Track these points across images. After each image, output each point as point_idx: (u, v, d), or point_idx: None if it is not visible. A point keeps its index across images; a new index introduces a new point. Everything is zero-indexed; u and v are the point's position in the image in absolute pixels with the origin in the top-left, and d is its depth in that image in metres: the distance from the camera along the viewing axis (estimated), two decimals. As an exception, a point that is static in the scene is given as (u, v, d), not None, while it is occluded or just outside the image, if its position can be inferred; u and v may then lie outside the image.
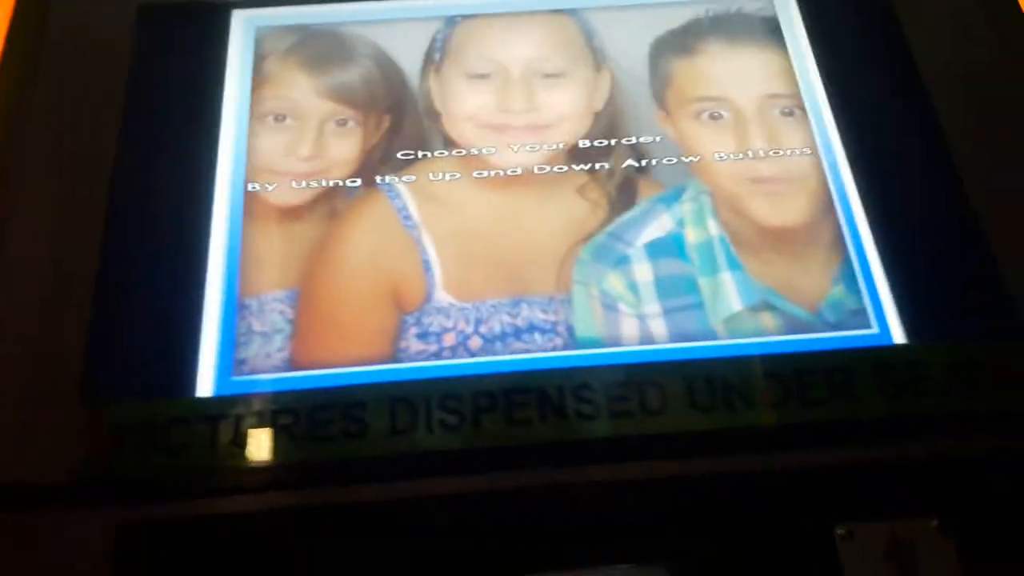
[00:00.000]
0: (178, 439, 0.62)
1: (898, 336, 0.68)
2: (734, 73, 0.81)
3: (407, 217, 0.75)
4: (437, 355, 0.68)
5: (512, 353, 0.68)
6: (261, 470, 0.61)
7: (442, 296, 0.72)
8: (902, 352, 0.67)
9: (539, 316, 0.70)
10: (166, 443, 0.62)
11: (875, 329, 0.68)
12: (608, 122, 0.80)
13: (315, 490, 0.61)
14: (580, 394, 0.63)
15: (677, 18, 0.84)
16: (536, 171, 0.77)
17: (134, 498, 0.60)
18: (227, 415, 0.63)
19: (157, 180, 0.74)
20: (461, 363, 0.67)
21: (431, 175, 0.77)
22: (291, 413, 0.63)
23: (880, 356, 0.65)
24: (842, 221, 0.74)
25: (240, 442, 0.62)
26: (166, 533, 0.59)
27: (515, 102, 0.79)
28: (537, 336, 0.69)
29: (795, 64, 0.81)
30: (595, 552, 0.57)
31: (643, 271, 0.72)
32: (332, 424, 0.63)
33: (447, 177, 0.77)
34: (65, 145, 0.76)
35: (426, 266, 0.73)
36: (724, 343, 0.68)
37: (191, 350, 0.67)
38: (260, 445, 0.62)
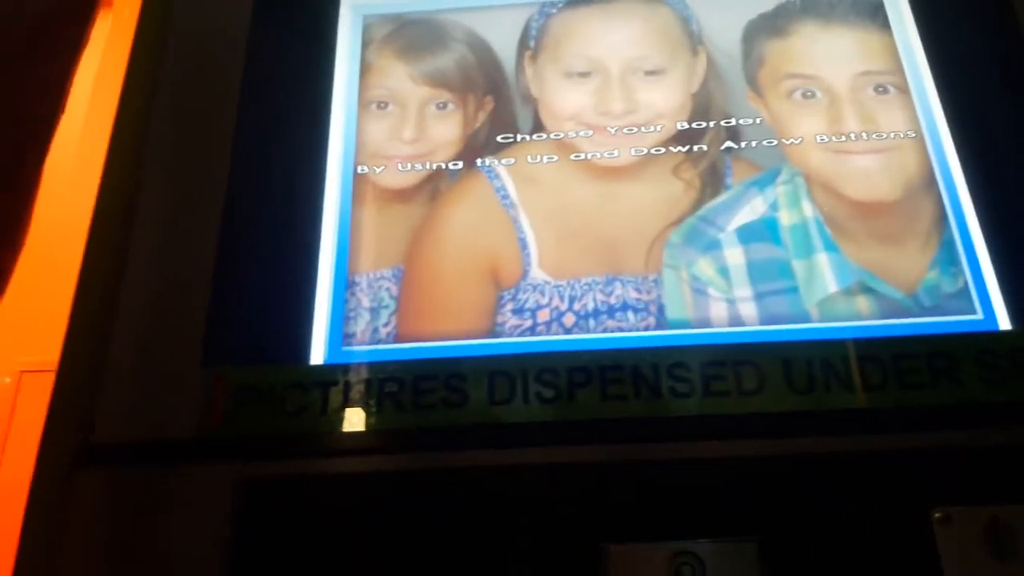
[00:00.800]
0: (293, 403, 0.66)
1: (1003, 322, 0.66)
2: (826, 52, 0.80)
3: (505, 197, 0.77)
4: (532, 330, 0.70)
5: (605, 331, 0.69)
6: (367, 434, 0.65)
7: (537, 273, 0.74)
8: (1007, 338, 0.65)
9: (632, 295, 0.71)
10: (282, 406, 0.66)
11: (979, 315, 0.67)
12: (703, 102, 0.79)
13: (416, 454, 0.64)
14: (675, 372, 0.64)
15: (770, 1, 0.83)
16: (632, 155, 0.77)
17: (252, 456, 0.64)
18: (338, 382, 0.66)
19: (273, 162, 0.78)
20: (557, 339, 0.69)
21: (529, 158, 0.78)
22: (396, 382, 0.66)
23: (985, 342, 0.64)
24: (946, 203, 0.72)
25: (349, 407, 0.65)
26: (281, 489, 0.63)
27: (615, 104, 0.79)
28: (630, 315, 0.70)
29: (899, 42, 0.79)
30: (686, 525, 0.58)
31: (734, 255, 0.72)
32: (434, 393, 0.65)
33: (545, 160, 0.78)
34: (189, 127, 0.80)
35: (523, 244, 0.75)
36: (819, 326, 0.67)
37: (305, 322, 0.70)
38: (367, 410, 0.65)
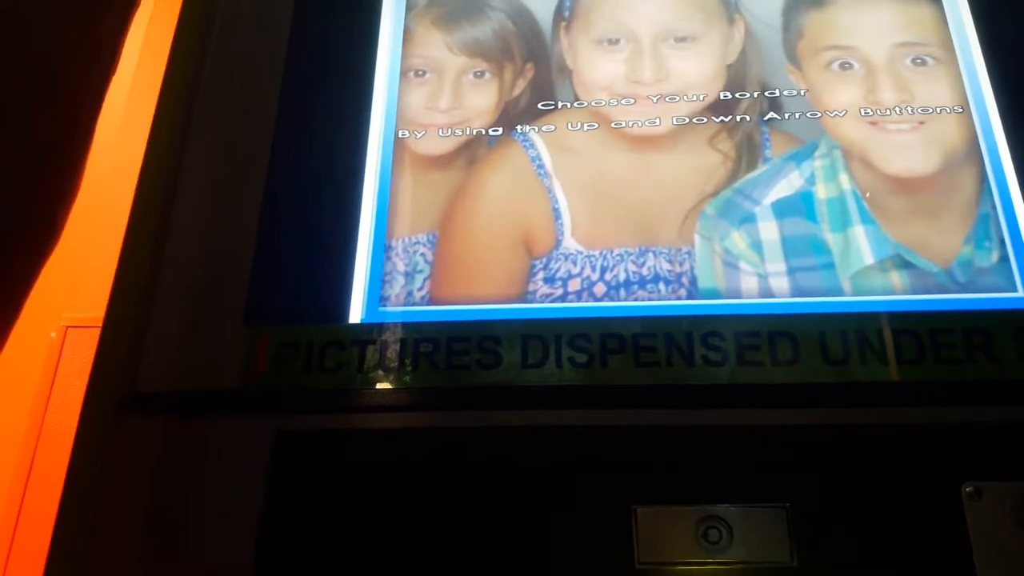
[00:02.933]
0: (331, 360, 0.66)
1: (1042, 301, 0.65)
2: (865, 23, 0.78)
3: (540, 167, 0.76)
4: (562, 299, 0.70)
5: (636, 301, 0.69)
6: (402, 391, 0.65)
7: (570, 243, 0.73)
8: (1045, 316, 0.63)
9: (664, 266, 0.71)
10: (321, 363, 0.66)
11: (1020, 292, 0.65)
12: (740, 73, 0.78)
13: (449, 413, 0.64)
14: (709, 341, 0.63)
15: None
16: (673, 124, 0.76)
17: (291, 410, 0.65)
18: (374, 340, 0.67)
19: (317, 126, 0.78)
20: (590, 306, 0.69)
21: (568, 125, 0.77)
22: (431, 342, 0.66)
23: (1022, 319, 0.63)
24: (990, 176, 0.70)
25: (385, 365, 0.66)
26: (317, 442, 0.63)
27: (645, 72, 0.78)
28: (661, 286, 0.70)
29: (947, 10, 0.77)
30: (715, 491, 0.58)
31: (769, 230, 0.71)
32: (468, 354, 0.65)
33: (584, 127, 0.77)
34: (236, 89, 0.81)
35: (556, 214, 0.74)
36: (853, 299, 0.66)
37: (344, 283, 0.70)
38: (402, 369, 0.65)
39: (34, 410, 1.99)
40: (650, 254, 0.71)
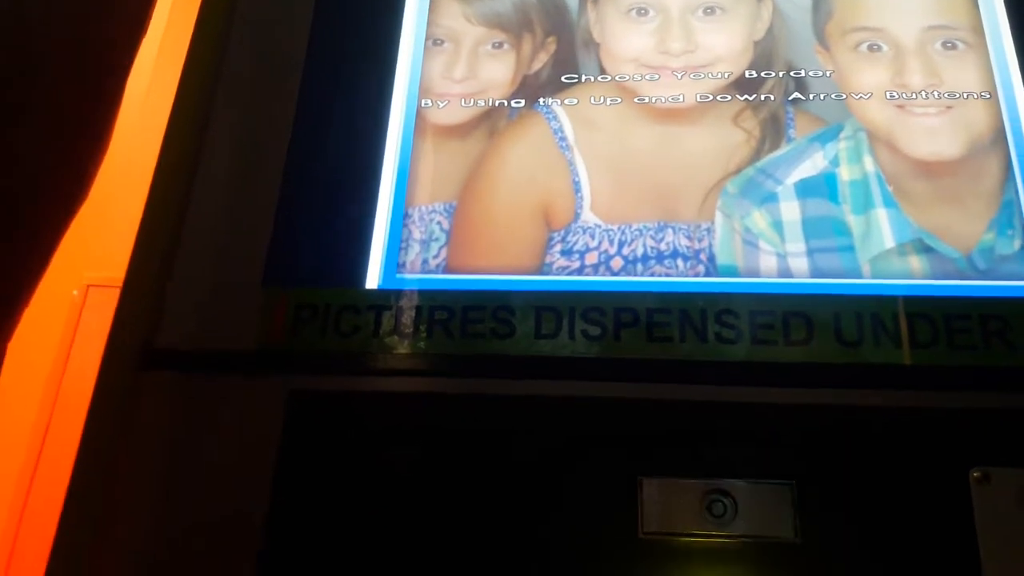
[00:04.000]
0: (348, 323, 0.66)
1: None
2: (895, 5, 0.76)
3: (562, 139, 0.76)
4: (579, 272, 0.70)
5: (652, 277, 0.69)
6: (416, 356, 0.65)
7: (589, 217, 0.73)
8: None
9: (683, 242, 0.70)
10: (337, 325, 0.66)
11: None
12: (767, 51, 0.77)
13: (462, 380, 0.64)
14: (723, 319, 0.63)
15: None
16: (697, 100, 0.76)
17: (306, 372, 0.66)
18: (390, 306, 0.67)
19: (341, 92, 0.77)
20: (605, 280, 0.69)
21: (592, 99, 0.77)
22: (446, 310, 0.67)
23: (1041, 307, 0.62)
24: (1015, 162, 0.69)
25: (400, 331, 0.66)
26: (332, 404, 0.64)
27: (673, 43, 0.77)
28: (679, 262, 0.69)
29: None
30: (723, 466, 0.58)
31: (790, 210, 0.70)
32: (482, 323, 0.66)
33: (608, 102, 0.77)
34: (262, 51, 0.80)
35: (576, 187, 0.74)
36: (871, 282, 0.66)
37: (363, 249, 0.71)
38: (417, 335, 0.66)
39: (54, 367, 2.02)
40: (669, 230, 0.71)
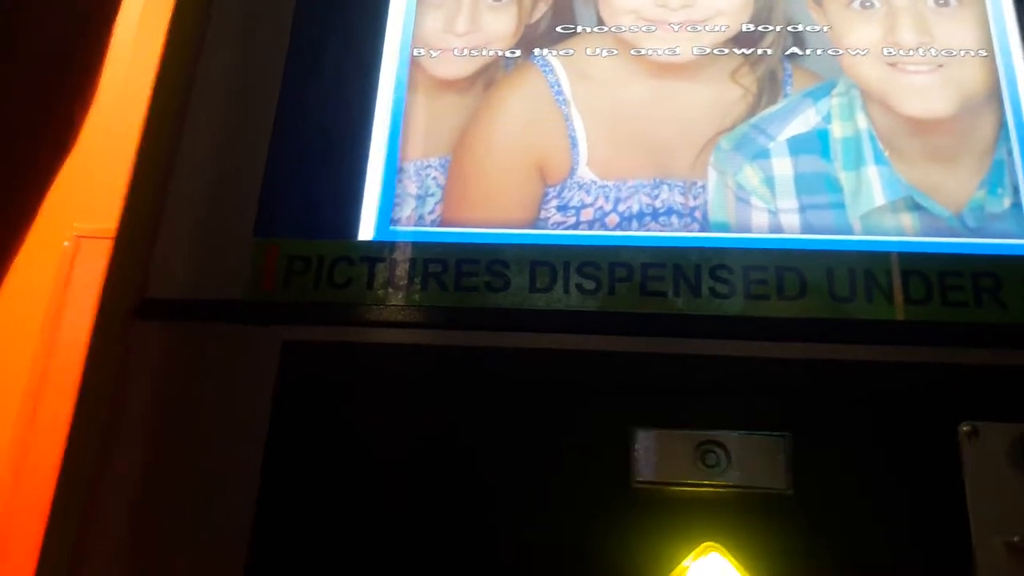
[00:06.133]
0: (341, 274, 0.65)
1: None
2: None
3: (559, 92, 0.74)
4: (574, 227, 0.69)
5: (648, 232, 0.68)
6: (410, 309, 0.64)
7: (585, 172, 0.72)
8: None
9: (678, 200, 0.69)
10: (331, 277, 0.65)
11: (1033, 239, 0.64)
12: (767, 5, 0.75)
13: (456, 332, 0.64)
14: (717, 274, 0.63)
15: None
16: (693, 54, 0.74)
17: (299, 322, 0.65)
18: (384, 258, 0.66)
19: (332, 43, 0.75)
20: (600, 235, 0.68)
21: (588, 50, 0.75)
22: (440, 263, 0.65)
23: (1032, 264, 0.62)
24: (1009, 120, 0.68)
25: (394, 283, 0.65)
26: (325, 355, 0.63)
27: None
28: (674, 219, 0.68)
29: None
30: (716, 419, 0.58)
31: (782, 166, 0.69)
32: (477, 276, 0.65)
33: (603, 53, 0.75)
34: (250, 5, 0.78)
35: (572, 142, 0.72)
36: (863, 238, 0.65)
37: (355, 201, 0.69)
38: (411, 287, 0.65)
39: (46, 318, 2.00)
40: (664, 187, 0.70)
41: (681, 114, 0.72)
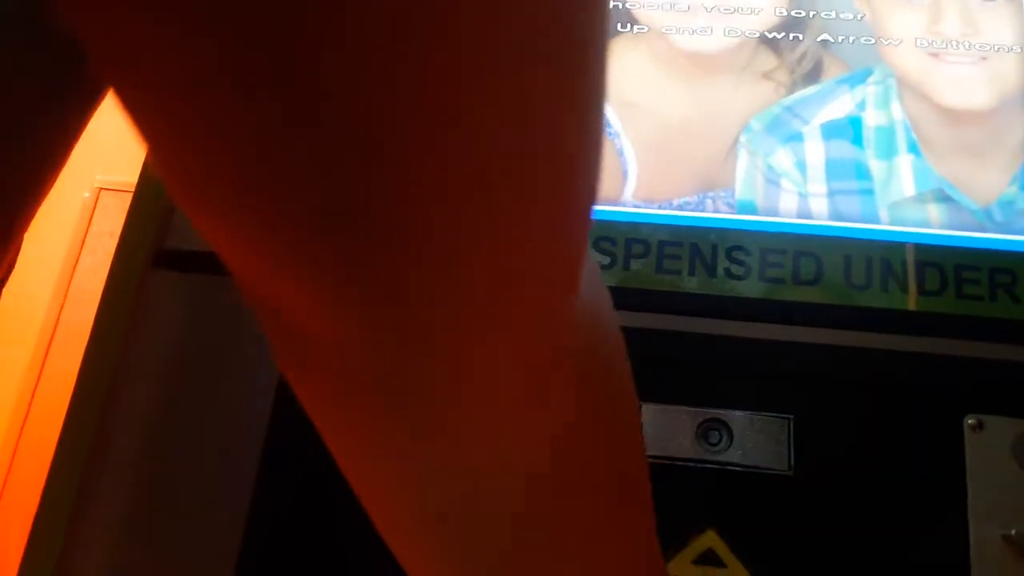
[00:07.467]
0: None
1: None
2: (936, -49, 0.74)
3: (608, 125, 0.73)
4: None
5: (665, 211, 0.68)
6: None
7: (628, 201, 0.69)
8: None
9: (723, 209, 0.68)
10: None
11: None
12: (805, -7, 0.75)
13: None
14: (733, 255, 0.63)
15: None
16: (724, 35, 0.73)
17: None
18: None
19: None
20: (618, 211, 0.68)
21: (620, 52, 0.74)
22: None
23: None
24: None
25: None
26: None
27: None
28: (708, 202, 0.68)
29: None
30: (722, 398, 0.59)
31: (815, 151, 0.69)
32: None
33: (634, 30, 0.74)
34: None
35: (624, 175, 0.70)
36: (887, 228, 0.65)
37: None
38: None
39: (64, 266, 2.04)
40: (708, 200, 0.68)
41: (719, 118, 0.71)
